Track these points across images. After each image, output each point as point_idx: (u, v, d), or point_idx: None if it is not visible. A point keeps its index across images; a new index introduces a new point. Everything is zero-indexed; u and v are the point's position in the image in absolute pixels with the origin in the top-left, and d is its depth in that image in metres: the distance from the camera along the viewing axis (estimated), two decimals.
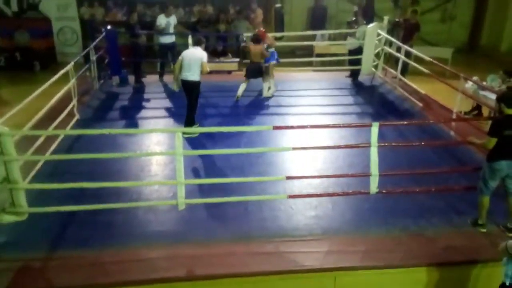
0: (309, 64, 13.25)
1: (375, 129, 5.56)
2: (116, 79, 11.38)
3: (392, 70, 11.28)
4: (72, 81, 8.61)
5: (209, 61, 8.16)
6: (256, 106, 10.07)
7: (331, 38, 14.52)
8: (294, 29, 14.99)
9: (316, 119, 9.13)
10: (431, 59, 9.48)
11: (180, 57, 8.20)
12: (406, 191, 6.12)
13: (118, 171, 6.77)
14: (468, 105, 9.85)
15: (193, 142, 7.84)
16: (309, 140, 7.55)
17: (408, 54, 10.69)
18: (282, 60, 11.10)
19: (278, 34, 12.91)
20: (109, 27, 10.94)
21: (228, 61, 12.86)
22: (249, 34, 11.71)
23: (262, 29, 10.85)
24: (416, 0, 15.13)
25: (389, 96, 10.80)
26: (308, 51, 14.06)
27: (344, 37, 12.94)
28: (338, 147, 7.21)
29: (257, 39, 10.01)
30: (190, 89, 8.18)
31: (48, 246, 5.19)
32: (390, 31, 12.50)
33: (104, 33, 10.78)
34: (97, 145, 7.10)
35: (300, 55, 13.56)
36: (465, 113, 9.63)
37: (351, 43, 11.93)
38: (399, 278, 5.11)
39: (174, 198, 5.56)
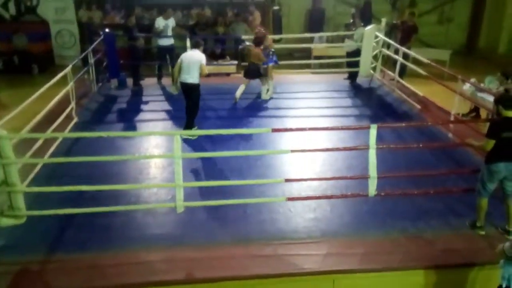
0: (307, 66, 13.26)
1: (373, 131, 5.57)
2: (114, 82, 11.39)
3: (390, 72, 11.29)
4: (71, 84, 8.61)
5: (208, 63, 8.17)
6: (255, 108, 10.07)
7: (329, 40, 14.52)
8: (292, 31, 15.02)
9: (314, 122, 9.13)
10: (429, 61, 9.49)
11: (179, 60, 8.21)
12: (405, 193, 6.13)
13: (117, 174, 6.77)
14: (466, 107, 9.87)
15: (192, 145, 7.84)
16: (308, 143, 7.55)
17: (406, 56, 10.71)
18: (280, 62, 11.11)
19: (276, 37, 12.94)
20: (107, 30, 10.97)
21: (226, 64, 12.89)
22: (248, 37, 11.78)
23: (262, 29, 10.89)
24: (414, 2, 15.20)
25: (387, 98, 10.82)
26: (306, 53, 14.08)
27: (342, 39, 12.96)
28: (337, 149, 7.21)
29: (258, 42, 10.06)
30: (189, 91, 8.19)
31: (46, 249, 5.19)
32: (388, 33, 12.53)
33: (102, 36, 10.79)
34: (96, 148, 7.09)
35: (298, 57, 13.59)
36: (463, 115, 9.64)
37: (349, 45, 11.94)
38: (397, 280, 5.11)
39: (173, 201, 5.55)
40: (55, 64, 13.94)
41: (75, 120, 8.75)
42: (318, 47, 13.76)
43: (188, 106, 8.34)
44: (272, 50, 10.59)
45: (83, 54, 10.41)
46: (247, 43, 11.69)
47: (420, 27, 12.46)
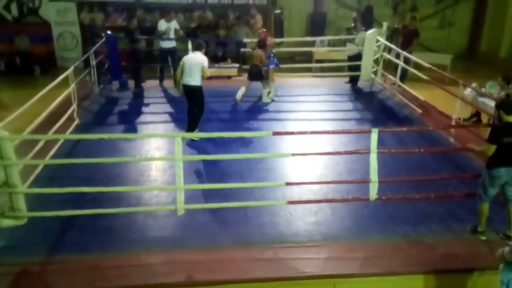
0: (309, 70, 13.30)
1: (374, 135, 5.57)
2: (116, 84, 11.41)
3: (391, 77, 11.30)
4: (72, 86, 8.61)
5: (209, 66, 8.17)
6: (256, 111, 10.08)
7: (330, 44, 14.57)
8: (293, 35, 15.04)
9: (315, 125, 9.14)
10: (430, 66, 9.50)
11: (181, 62, 8.22)
12: (406, 198, 6.12)
13: (118, 176, 6.77)
14: (467, 111, 9.87)
15: (193, 147, 7.85)
16: (309, 146, 7.57)
17: (407, 61, 10.72)
18: (281, 66, 11.13)
19: (278, 40, 12.96)
20: (109, 32, 10.98)
21: (227, 67, 12.91)
22: (249, 40, 11.81)
23: (264, 31, 10.92)
24: (415, 7, 15.21)
25: (389, 102, 10.83)
26: (308, 57, 14.11)
27: (343, 43, 12.99)
28: (338, 153, 7.21)
29: (261, 45, 10.11)
30: (192, 94, 8.21)
31: (47, 250, 5.19)
32: (389, 38, 12.55)
33: (104, 38, 10.81)
34: (97, 150, 7.09)
35: (300, 61, 13.60)
36: (464, 119, 9.64)
37: (351, 49, 11.98)
38: (398, 285, 5.10)
39: (174, 203, 5.55)
40: (57, 65, 13.94)
41: (77, 121, 8.76)
42: (319, 51, 13.81)
43: (190, 109, 8.34)
44: (273, 52, 10.61)
45: (85, 56, 10.42)
46: (249, 49, 11.75)
47: (422, 31, 12.46)
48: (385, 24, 11.93)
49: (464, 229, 5.72)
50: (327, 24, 15.85)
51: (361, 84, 11.98)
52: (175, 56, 11.33)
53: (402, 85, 10.68)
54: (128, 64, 11.41)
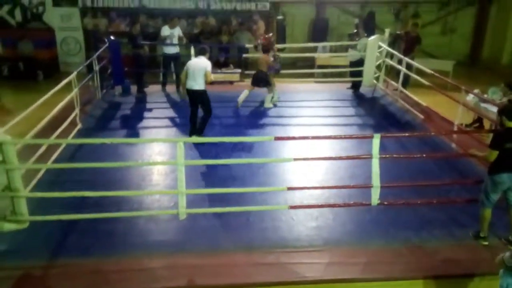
0: (311, 75, 13.31)
1: (376, 140, 5.57)
2: (118, 89, 11.47)
3: (393, 82, 11.33)
4: (75, 91, 8.66)
5: (212, 71, 8.21)
6: (258, 116, 10.11)
7: (332, 50, 14.59)
8: (295, 40, 15.08)
9: (317, 130, 9.15)
10: (432, 72, 9.51)
11: (185, 67, 8.28)
12: (408, 203, 6.12)
13: (120, 180, 6.79)
14: (469, 117, 9.86)
15: (194, 152, 7.86)
16: (311, 151, 7.57)
17: (409, 67, 10.74)
18: (284, 72, 11.16)
19: (280, 46, 13.00)
20: (112, 37, 11.04)
21: (230, 72, 12.95)
22: (251, 46, 11.85)
23: (266, 35, 10.97)
24: (417, 13, 15.23)
25: (391, 108, 10.84)
26: (310, 63, 14.13)
27: (345, 49, 13.02)
28: (340, 158, 7.22)
29: (266, 50, 10.14)
30: (195, 98, 8.27)
31: (49, 254, 5.20)
32: (391, 44, 12.56)
33: (107, 44, 10.86)
34: (99, 154, 7.12)
35: (302, 67, 13.63)
36: (466, 125, 9.63)
37: (353, 55, 12.00)
38: None
39: (175, 208, 5.56)
40: (60, 70, 13.99)
41: (79, 126, 8.79)
42: (321, 57, 13.84)
43: (192, 113, 8.39)
44: (278, 55, 10.65)
45: (88, 61, 10.47)
46: (251, 55, 11.79)
47: (424, 37, 12.50)
48: (387, 30, 11.95)
49: (466, 234, 5.71)
50: (329, 30, 15.88)
51: (363, 90, 12.01)
52: (179, 61, 11.38)
53: (404, 90, 10.70)
54: (131, 69, 11.47)
